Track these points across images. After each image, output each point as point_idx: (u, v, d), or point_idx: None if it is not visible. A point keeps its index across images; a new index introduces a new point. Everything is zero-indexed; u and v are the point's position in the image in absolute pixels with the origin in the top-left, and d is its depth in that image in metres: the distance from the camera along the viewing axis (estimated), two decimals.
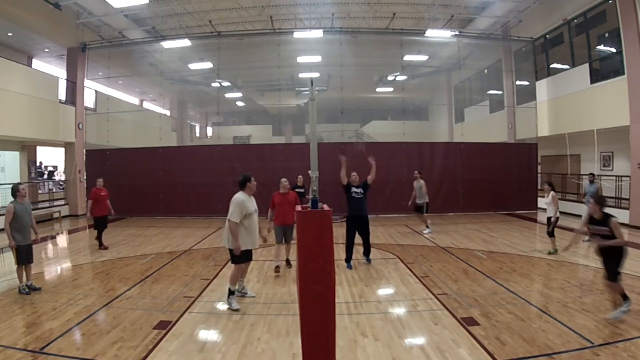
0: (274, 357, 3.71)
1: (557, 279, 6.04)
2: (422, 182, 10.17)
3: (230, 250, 4.94)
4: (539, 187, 14.35)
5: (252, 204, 5.01)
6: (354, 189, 6.91)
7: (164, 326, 4.38)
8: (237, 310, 4.87)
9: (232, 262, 5.07)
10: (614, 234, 4.35)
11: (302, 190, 8.93)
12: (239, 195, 4.91)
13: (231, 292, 5.05)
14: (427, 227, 10.38)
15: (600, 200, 4.55)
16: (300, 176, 9.19)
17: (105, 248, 8.66)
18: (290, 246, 6.89)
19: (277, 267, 6.58)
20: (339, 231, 8.82)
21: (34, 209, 12.83)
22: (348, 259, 7.00)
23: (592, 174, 9.05)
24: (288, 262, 6.96)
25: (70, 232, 11.57)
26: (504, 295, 5.33)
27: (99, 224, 8.75)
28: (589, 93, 12.42)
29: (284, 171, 12.47)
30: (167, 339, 4.08)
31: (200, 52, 16.78)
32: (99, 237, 8.74)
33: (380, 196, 12.01)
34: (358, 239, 7.04)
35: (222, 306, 5.09)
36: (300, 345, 3.24)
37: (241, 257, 4.97)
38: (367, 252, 7.16)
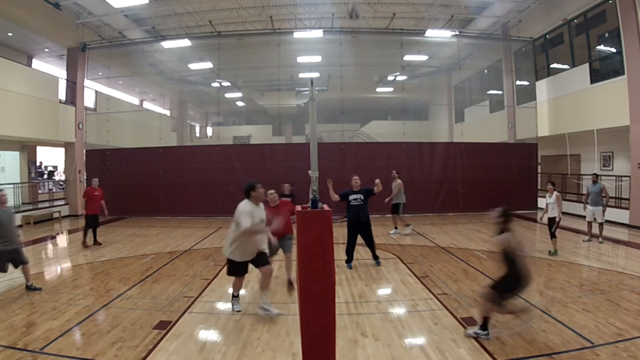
0: (274, 357, 3.71)
1: (557, 279, 6.04)
2: (399, 181, 9.91)
3: (229, 261, 4.70)
4: (539, 187, 14.36)
5: (258, 214, 4.56)
6: (352, 196, 6.83)
7: (164, 326, 4.38)
8: (238, 311, 4.83)
9: (228, 274, 4.80)
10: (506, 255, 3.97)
11: (289, 200, 8.67)
12: (245, 205, 4.49)
13: (233, 296, 4.99)
14: (395, 228, 10.18)
15: (504, 213, 4.11)
16: (286, 184, 8.71)
17: (87, 246, 8.76)
18: (291, 263, 5.81)
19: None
20: (339, 231, 8.80)
21: (34, 209, 13.05)
22: (348, 260, 7.00)
23: (595, 174, 9.08)
24: (290, 283, 5.76)
25: (70, 232, 11.56)
26: None
27: (89, 223, 8.86)
28: (589, 93, 12.41)
29: (284, 171, 12.59)
30: (167, 339, 4.08)
31: (200, 52, 16.77)
32: (84, 234, 8.86)
33: (380, 197, 12.03)
34: (360, 239, 7.00)
35: (222, 306, 5.10)
36: (300, 345, 3.24)
37: (238, 269, 4.70)
38: (374, 256, 7.09)
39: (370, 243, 7.03)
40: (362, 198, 6.83)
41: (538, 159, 14.89)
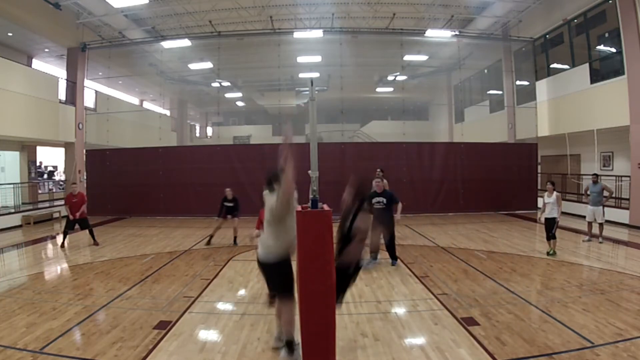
0: (274, 357, 3.71)
1: (557, 279, 6.04)
2: (384, 181, 9.57)
3: (275, 267, 3.43)
4: (539, 187, 14.36)
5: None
6: (376, 199, 6.81)
7: (164, 326, 4.38)
8: None
9: (285, 295, 3.52)
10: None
11: (231, 205, 8.60)
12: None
13: (291, 345, 3.48)
14: None
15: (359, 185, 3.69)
16: (228, 189, 8.68)
17: (63, 246, 8.81)
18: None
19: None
20: None
21: (34, 209, 13.05)
22: (373, 257, 7.04)
23: (596, 174, 9.10)
24: None
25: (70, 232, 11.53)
26: (504, 295, 5.33)
27: (69, 225, 8.95)
28: (589, 93, 12.42)
29: None
30: (167, 339, 4.07)
31: (200, 52, 16.79)
32: (64, 236, 9.02)
33: None
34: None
35: (222, 306, 5.09)
36: (300, 345, 3.24)
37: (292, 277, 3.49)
38: (392, 256, 7.10)
39: (390, 244, 7.06)
40: (385, 202, 6.80)
41: (538, 159, 14.90)
